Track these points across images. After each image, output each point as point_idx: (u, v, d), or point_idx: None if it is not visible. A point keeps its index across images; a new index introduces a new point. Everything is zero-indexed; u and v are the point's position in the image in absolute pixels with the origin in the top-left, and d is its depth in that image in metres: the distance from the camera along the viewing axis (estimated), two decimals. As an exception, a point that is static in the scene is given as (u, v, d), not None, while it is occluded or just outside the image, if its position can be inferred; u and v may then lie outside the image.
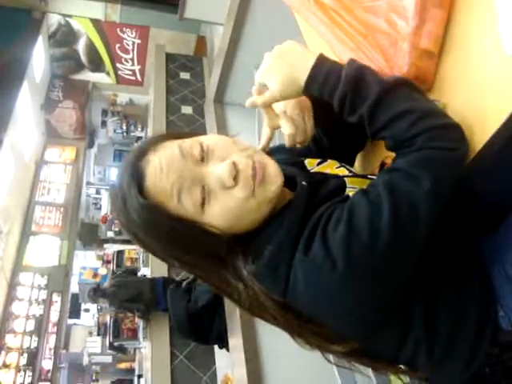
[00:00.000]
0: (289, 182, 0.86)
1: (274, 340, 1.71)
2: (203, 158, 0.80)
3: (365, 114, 0.78)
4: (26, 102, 6.33)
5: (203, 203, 0.78)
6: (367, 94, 0.78)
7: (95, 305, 4.75)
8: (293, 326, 0.84)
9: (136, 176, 0.78)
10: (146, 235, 0.80)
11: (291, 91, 0.85)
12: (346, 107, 0.80)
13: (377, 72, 0.81)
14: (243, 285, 0.80)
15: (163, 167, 0.77)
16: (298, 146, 0.94)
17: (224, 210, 0.79)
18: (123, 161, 0.84)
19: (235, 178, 0.78)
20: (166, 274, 3.40)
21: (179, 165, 0.78)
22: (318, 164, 0.98)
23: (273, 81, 0.85)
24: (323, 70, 0.81)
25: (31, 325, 6.02)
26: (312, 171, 0.97)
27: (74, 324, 6.66)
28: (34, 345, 5.91)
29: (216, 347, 2.74)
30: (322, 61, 0.83)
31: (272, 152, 0.95)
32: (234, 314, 1.84)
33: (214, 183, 0.78)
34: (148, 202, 0.76)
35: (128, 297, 3.19)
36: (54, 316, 6.13)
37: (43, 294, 6.19)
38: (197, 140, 0.82)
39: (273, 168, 0.81)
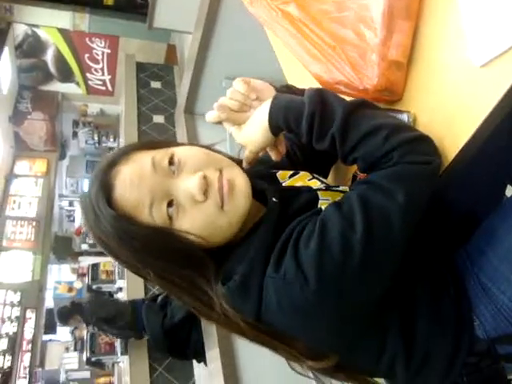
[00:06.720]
0: (260, 196, 0.85)
1: (252, 352, 1.69)
2: (174, 170, 0.79)
3: (336, 133, 0.77)
4: (-7, 115, 6.18)
5: (171, 217, 0.77)
6: (334, 111, 0.77)
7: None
8: (267, 344, 0.83)
9: (104, 186, 0.77)
10: (119, 244, 0.78)
11: (262, 136, 0.86)
12: (315, 129, 0.79)
13: (336, 94, 0.82)
14: (216, 302, 0.78)
15: (134, 179, 0.76)
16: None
17: (193, 224, 0.77)
18: (94, 170, 0.83)
19: (206, 193, 0.77)
20: (142, 287, 3.34)
21: (150, 178, 0.77)
22: (291, 176, 0.97)
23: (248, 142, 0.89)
24: (283, 99, 0.83)
25: (4, 344, 5.83)
26: (284, 184, 0.96)
27: (50, 340, 6.50)
28: (7, 364, 5.71)
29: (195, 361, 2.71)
30: (278, 95, 0.85)
31: None
32: (210, 327, 1.82)
33: (184, 196, 0.77)
34: (117, 213, 0.75)
35: (105, 316, 3.08)
36: (29, 333, 5.94)
37: (16, 311, 6.00)
38: (169, 151, 0.81)
39: (242, 182, 0.80)
